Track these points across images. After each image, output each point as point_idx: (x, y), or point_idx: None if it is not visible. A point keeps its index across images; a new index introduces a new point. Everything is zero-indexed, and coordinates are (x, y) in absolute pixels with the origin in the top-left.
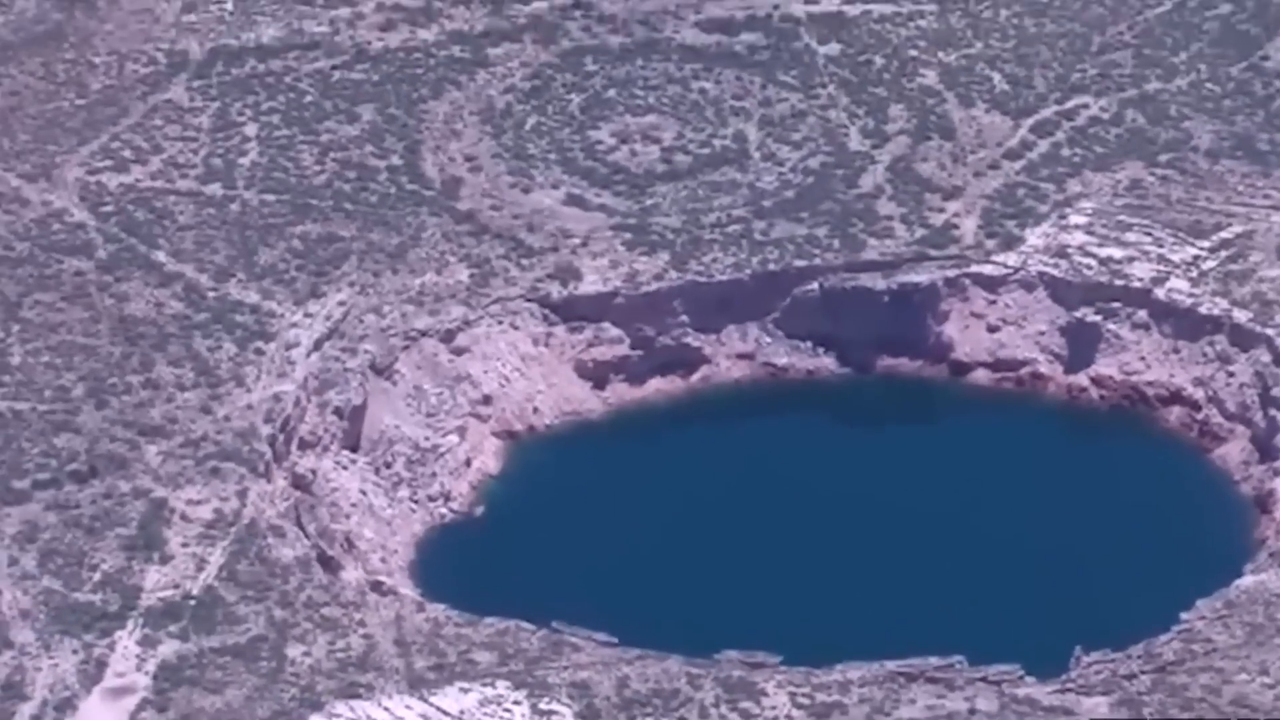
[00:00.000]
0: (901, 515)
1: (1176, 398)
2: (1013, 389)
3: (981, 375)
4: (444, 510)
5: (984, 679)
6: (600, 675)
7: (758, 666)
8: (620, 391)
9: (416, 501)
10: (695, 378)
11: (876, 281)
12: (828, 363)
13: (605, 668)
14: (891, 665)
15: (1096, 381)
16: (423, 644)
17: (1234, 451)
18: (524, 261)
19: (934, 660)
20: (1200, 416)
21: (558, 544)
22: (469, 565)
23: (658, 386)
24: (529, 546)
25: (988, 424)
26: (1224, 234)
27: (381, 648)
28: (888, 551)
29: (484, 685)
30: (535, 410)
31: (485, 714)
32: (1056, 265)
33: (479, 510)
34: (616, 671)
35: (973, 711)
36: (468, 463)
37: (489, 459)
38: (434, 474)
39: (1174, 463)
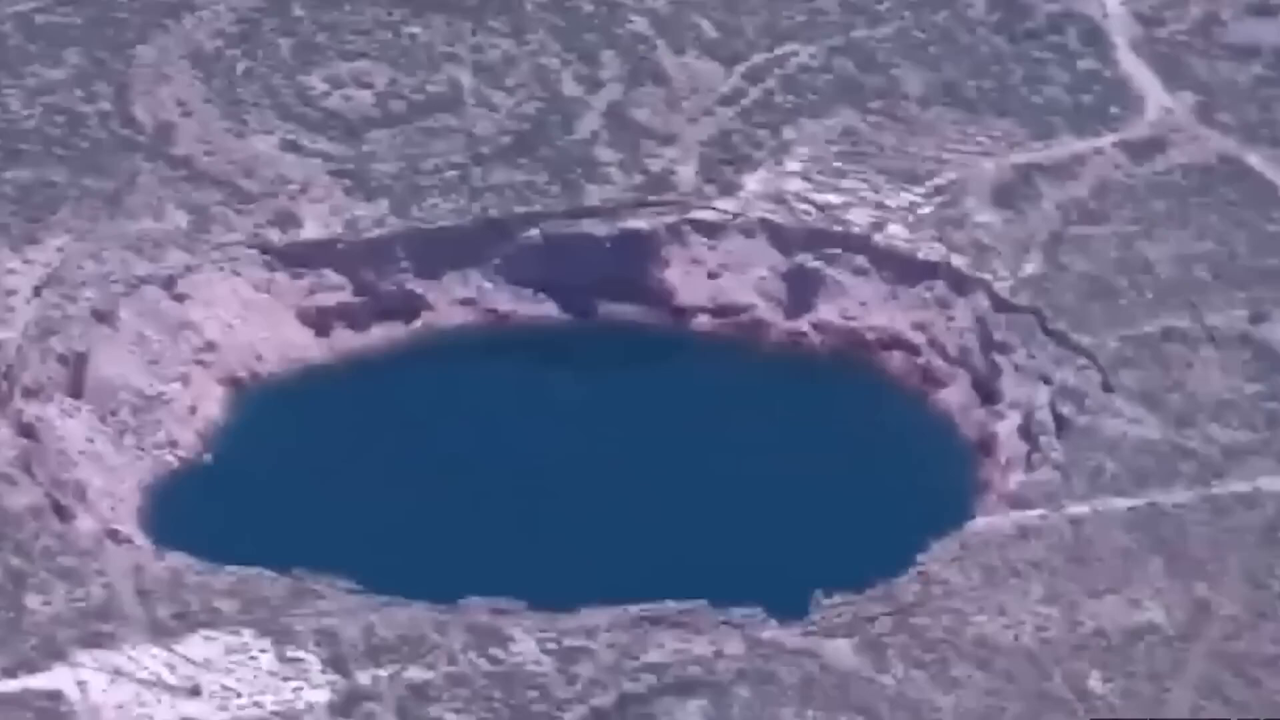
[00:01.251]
0: (633, 462)
1: (897, 342)
2: (734, 334)
3: (703, 321)
4: (171, 458)
5: (727, 623)
6: (346, 622)
7: (502, 613)
8: (343, 338)
9: (143, 449)
10: (418, 324)
11: (598, 228)
12: (550, 309)
13: (350, 615)
14: (635, 610)
15: (817, 327)
16: (164, 593)
17: (954, 395)
18: (242, 207)
19: (676, 605)
20: (921, 361)
21: (289, 492)
22: (200, 514)
23: (380, 333)
24: (260, 495)
25: (711, 370)
26: (938, 180)
27: (122, 597)
28: (622, 497)
29: (229, 634)
30: (259, 357)
31: (231, 662)
32: (775, 211)
33: (206, 458)
34: (362, 619)
35: (719, 655)
36: (193, 410)
37: (214, 406)
38: (159, 421)
39: (896, 407)
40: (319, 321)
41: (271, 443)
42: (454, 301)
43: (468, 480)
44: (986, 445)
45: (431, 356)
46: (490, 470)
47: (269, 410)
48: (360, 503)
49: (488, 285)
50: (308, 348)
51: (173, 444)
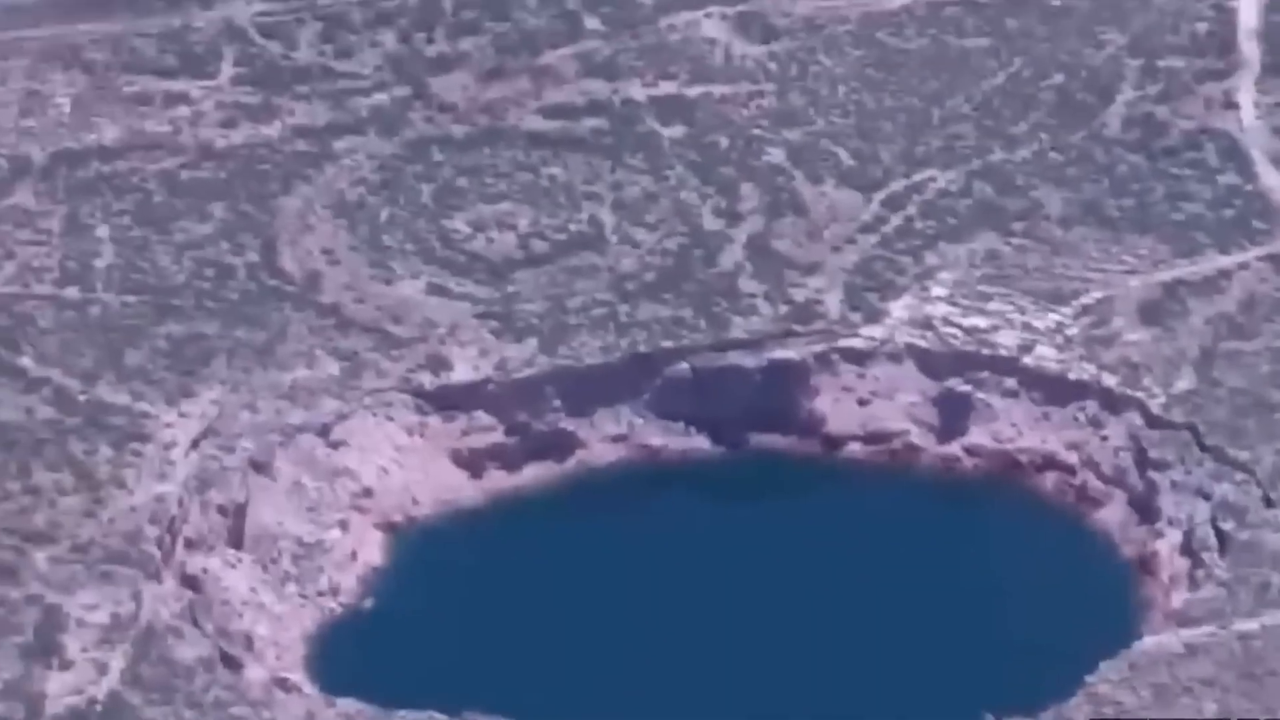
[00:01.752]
0: (794, 593)
1: (1050, 463)
2: (886, 461)
3: (855, 449)
4: (333, 605)
5: None
6: None
7: None
8: (496, 479)
9: (305, 597)
10: (570, 462)
11: (746, 359)
12: (701, 442)
13: None
14: None
15: (970, 451)
16: None
17: (1112, 514)
18: (393, 353)
19: None
20: (1076, 481)
21: (451, 634)
22: (365, 659)
23: (533, 473)
24: (423, 638)
25: (865, 498)
26: (1084, 300)
27: None
28: (785, 630)
29: None
30: (414, 501)
31: None
32: (923, 337)
33: (368, 603)
34: None
35: None
36: (353, 556)
37: (372, 551)
38: (320, 568)
39: (1053, 528)
40: (472, 463)
41: (431, 586)
42: (606, 439)
43: (629, 619)
44: (1147, 564)
45: (585, 495)
46: (651, 608)
47: (427, 554)
48: (523, 645)
49: (639, 421)
50: (461, 489)
51: (334, 590)
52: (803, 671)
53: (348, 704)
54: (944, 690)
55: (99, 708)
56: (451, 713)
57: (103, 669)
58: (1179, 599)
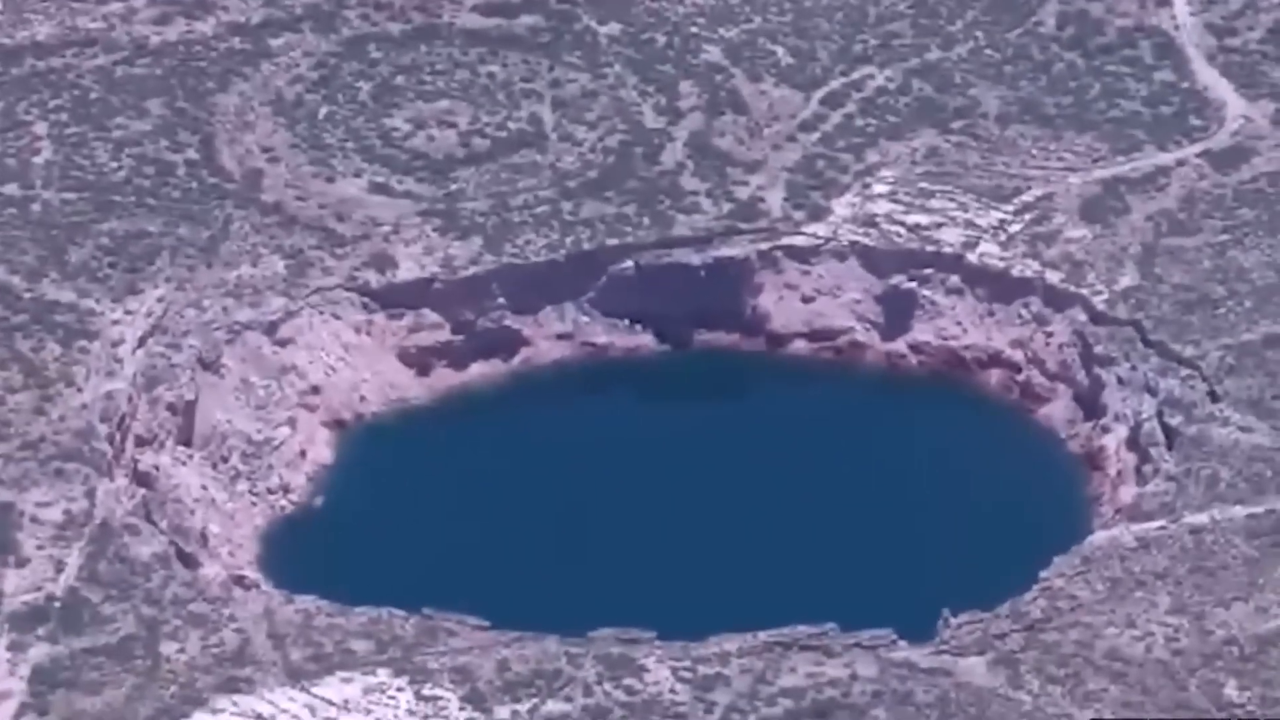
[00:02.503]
0: (741, 488)
1: (995, 360)
2: (831, 358)
3: (800, 346)
4: (283, 502)
5: (859, 644)
6: (480, 659)
7: (633, 642)
8: (443, 377)
9: (256, 494)
10: (516, 360)
11: (690, 257)
12: (646, 340)
13: (484, 651)
14: (765, 635)
15: (914, 348)
16: (296, 636)
17: (1058, 410)
18: (338, 251)
19: (806, 629)
20: (1021, 378)
21: (403, 531)
22: (318, 556)
23: (480, 370)
24: (375, 535)
25: (812, 394)
26: (1025, 197)
27: (256, 641)
28: (735, 525)
29: (364, 674)
30: (362, 399)
31: (370, 702)
32: (866, 234)
33: (318, 501)
34: (495, 654)
35: (854, 677)
36: (302, 454)
37: (321, 449)
38: (270, 466)
39: (1000, 424)
40: (419, 361)
41: (381, 484)
42: (551, 336)
43: (579, 513)
44: (1094, 459)
45: (532, 392)
46: (601, 502)
47: (375, 451)
48: (474, 539)
49: (584, 319)
50: (409, 387)
51: (285, 488)
52: (751, 568)
53: (306, 600)
54: (898, 587)
55: (57, 604)
56: (408, 608)
57: (59, 566)
58: (1128, 493)
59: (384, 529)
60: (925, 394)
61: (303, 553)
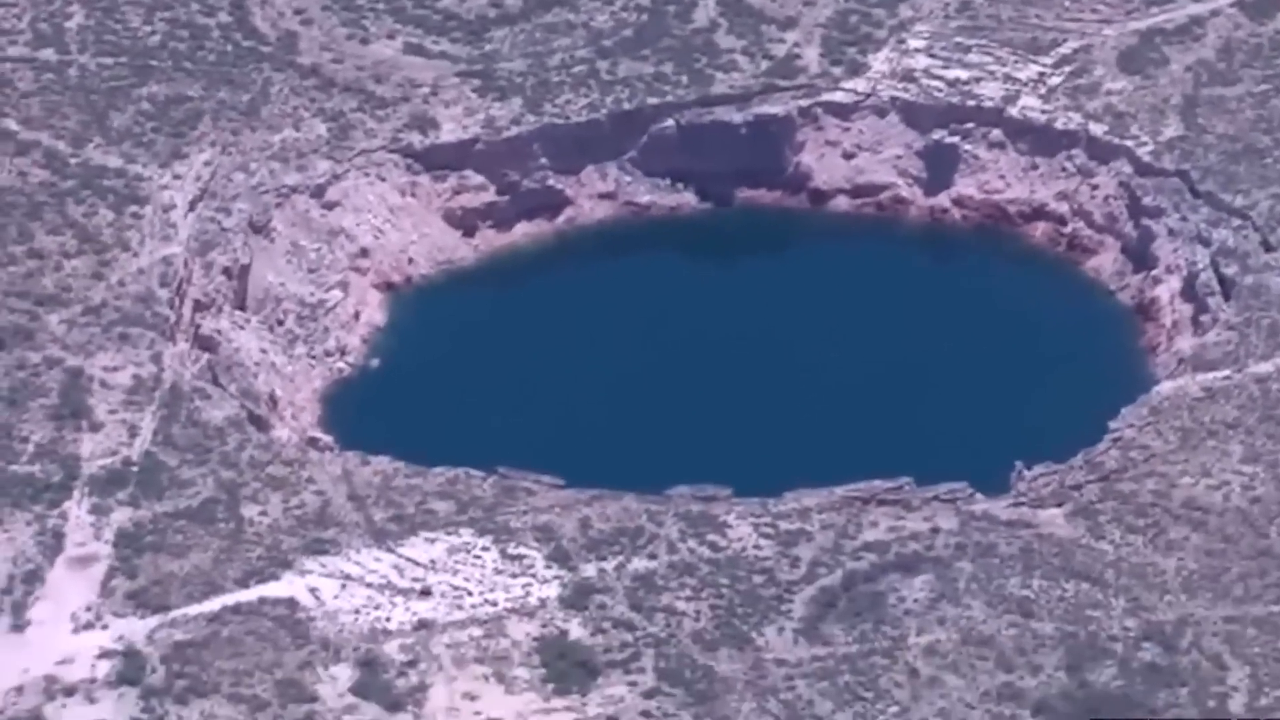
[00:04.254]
0: (795, 345)
1: (1040, 213)
2: (874, 214)
3: (842, 202)
4: (340, 365)
5: (936, 498)
6: (561, 517)
7: (710, 499)
8: (489, 238)
9: (314, 357)
10: (560, 220)
11: (731, 115)
12: (688, 198)
13: (564, 510)
14: (841, 490)
15: (958, 202)
16: (376, 496)
17: (1106, 262)
18: (379, 113)
19: (882, 483)
20: (1067, 230)
21: (462, 392)
22: (381, 418)
23: (524, 230)
24: (434, 397)
25: (858, 249)
26: (1062, 50)
27: (336, 503)
28: (795, 381)
29: (448, 534)
30: (410, 260)
31: (456, 562)
32: (905, 89)
33: (374, 362)
34: (576, 513)
35: (935, 531)
36: (355, 316)
37: (374, 312)
38: (326, 329)
39: (1048, 276)
40: (465, 222)
41: (434, 345)
42: (594, 196)
43: (636, 372)
44: (1146, 310)
45: (578, 252)
46: (657, 360)
47: (427, 313)
48: (534, 399)
49: (626, 178)
50: (456, 248)
51: (341, 350)
52: (816, 424)
53: (382, 461)
54: (963, 439)
55: (135, 469)
56: (481, 467)
57: (133, 430)
58: (1185, 343)
59: (442, 391)
60: (971, 247)
61: (366, 415)
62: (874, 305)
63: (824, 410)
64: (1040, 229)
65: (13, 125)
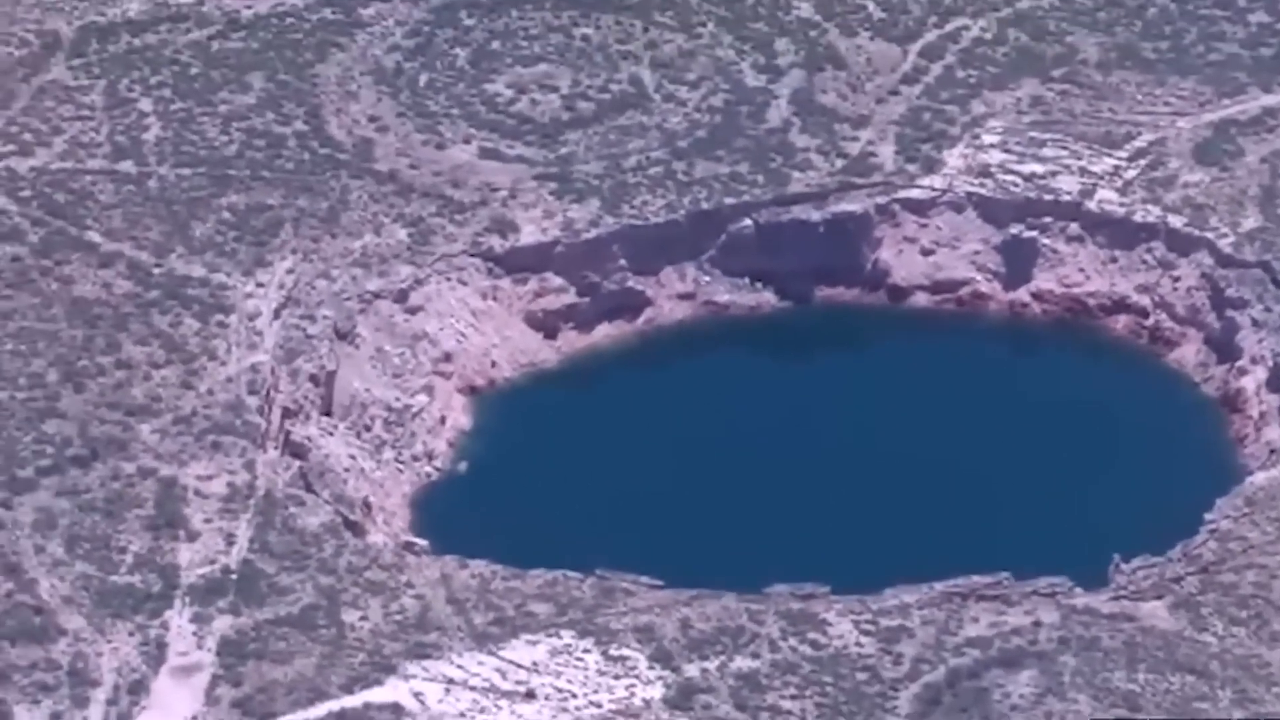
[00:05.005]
0: (882, 441)
1: (1121, 306)
2: (953, 310)
3: (921, 298)
4: (429, 469)
5: (1036, 592)
6: (661, 618)
7: (809, 597)
8: (570, 339)
9: (402, 463)
10: (640, 321)
11: (809, 213)
12: (767, 297)
13: (664, 610)
14: (941, 586)
15: (1038, 296)
16: (476, 600)
17: (1189, 354)
18: (458, 217)
19: (981, 578)
20: (1149, 323)
21: (551, 494)
22: (473, 522)
23: (605, 332)
24: (524, 499)
25: (939, 345)
26: (1137, 143)
27: (436, 607)
28: (885, 478)
29: (549, 636)
30: (493, 364)
31: (559, 664)
32: (982, 185)
33: (463, 466)
34: (676, 613)
35: (1037, 624)
36: (442, 420)
37: (460, 415)
38: (413, 434)
39: (1132, 368)
40: (546, 324)
41: (522, 448)
42: (673, 296)
43: (725, 471)
44: (1232, 401)
45: (659, 352)
46: (743, 459)
47: (511, 416)
48: (625, 500)
49: (705, 278)
50: (538, 351)
51: (429, 455)
52: (909, 521)
53: (479, 564)
54: (1056, 533)
55: (234, 576)
56: (573, 568)
57: (230, 539)
58: (1274, 434)
59: (531, 493)
60: (1053, 341)
61: (456, 519)
62: (958, 400)
63: (915, 506)
64: (1122, 322)
65: (96, 237)
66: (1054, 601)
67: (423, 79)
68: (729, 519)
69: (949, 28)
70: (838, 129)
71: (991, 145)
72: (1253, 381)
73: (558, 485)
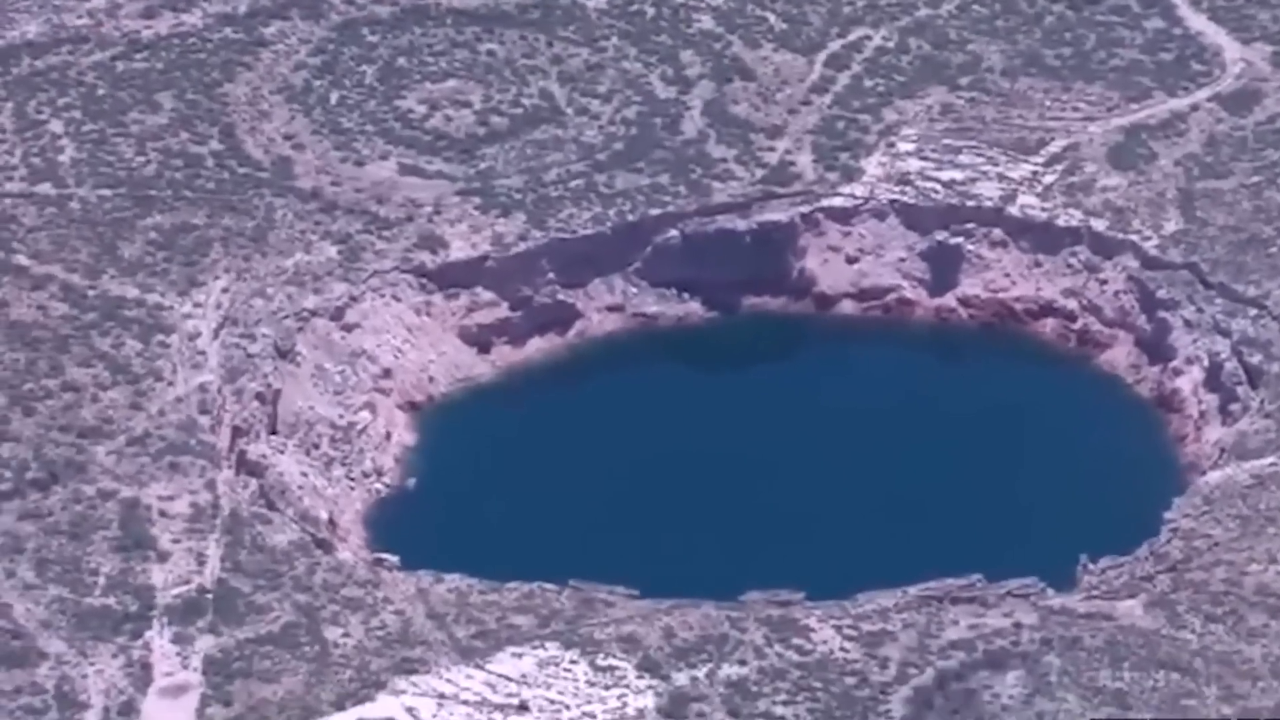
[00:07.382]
0: (814, 449)
1: (1048, 310)
2: (880, 316)
3: (848, 306)
4: (378, 486)
5: (1010, 594)
6: (644, 627)
7: (786, 604)
8: (504, 354)
9: (353, 479)
10: (571, 334)
11: (734, 223)
12: (695, 307)
13: (646, 619)
14: (915, 590)
15: (964, 302)
16: (456, 614)
17: (1120, 356)
18: (385, 234)
19: (954, 581)
20: (1077, 326)
21: (502, 508)
22: (429, 536)
23: (538, 345)
24: (476, 514)
25: (868, 352)
26: (1051, 149)
27: (417, 622)
28: (825, 485)
29: (535, 648)
30: (431, 379)
31: (548, 676)
32: (903, 192)
33: (411, 482)
34: (658, 622)
35: (1017, 625)
36: (388, 436)
37: (403, 431)
38: (360, 450)
39: (1063, 372)
40: (480, 339)
41: (466, 462)
42: (602, 308)
43: (666, 480)
44: (1168, 401)
45: (591, 365)
46: (681, 469)
47: (453, 431)
48: (578, 512)
49: (633, 290)
50: (473, 366)
51: (378, 471)
52: (856, 527)
53: (454, 578)
54: (1012, 536)
55: (210, 596)
56: (544, 580)
57: (200, 558)
58: (1215, 433)
59: (482, 507)
60: (982, 346)
61: (413, 534)
62: (894, 408)
63: (867, 512)
64: (1049, 325)
65: (24, 260)
66: (1030, 603)
67: (334, 96)
68: (681, 528)
69: (851, 37)
70: (754, 139)
71: (908, 153)
72: (1189, 381)
73: (506, 499)
